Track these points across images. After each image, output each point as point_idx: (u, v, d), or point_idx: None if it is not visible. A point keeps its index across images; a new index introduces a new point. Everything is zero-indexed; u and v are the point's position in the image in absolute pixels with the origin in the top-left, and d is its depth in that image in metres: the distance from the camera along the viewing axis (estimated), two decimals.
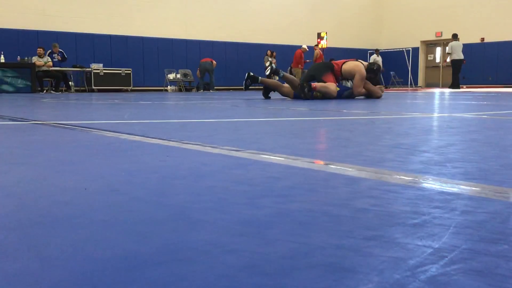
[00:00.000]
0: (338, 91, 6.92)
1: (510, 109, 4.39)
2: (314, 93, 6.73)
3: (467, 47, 19.60)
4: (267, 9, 19.85)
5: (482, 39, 20.35)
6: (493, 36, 20.05)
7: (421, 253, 0.64)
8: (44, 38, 15.31)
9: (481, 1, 20.09)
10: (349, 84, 7.09)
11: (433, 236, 0.72)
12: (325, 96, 6.76)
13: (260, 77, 7.34)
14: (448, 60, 15.98)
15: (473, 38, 20.21)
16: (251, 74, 7.38)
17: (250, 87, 7.54)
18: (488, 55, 20.26)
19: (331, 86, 6.76)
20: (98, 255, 0.65)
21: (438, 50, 22.13)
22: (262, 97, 7.49)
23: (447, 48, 16.18)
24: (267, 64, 7.07)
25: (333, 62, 7.16)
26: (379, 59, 18.64)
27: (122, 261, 0.63)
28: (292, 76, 7.34)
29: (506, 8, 19.48)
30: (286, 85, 7.18)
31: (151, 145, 1.87)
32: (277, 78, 7.28)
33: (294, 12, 20.56)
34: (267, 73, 7.03)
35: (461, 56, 15.63)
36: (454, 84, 15.66)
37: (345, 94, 7.00)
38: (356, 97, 7.15)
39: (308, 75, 7.17)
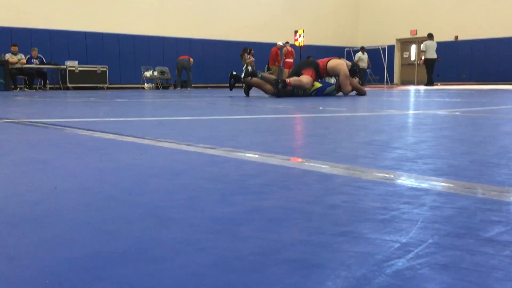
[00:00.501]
0: (320, 87, 6.99)
1: (482, 106, 4.48)
2: (296, 90, 6.78)
3: (441, 45, 19.90)
4: (244, 7, 19.83)
5: (456, 37, 20.69)
6: (467, 34, 20.41)
7: (388, 248, 0.66)
8: (18, 35, 15.02)
9: (455, 0, 20.41)
10: (332, 80, 7.15)
11: (401, 231, 0.73)
12: (304, 91, 6.81)
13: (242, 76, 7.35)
14: (422, 58, 16.28)
15: (447, 36, 20.55)
16: (234, 73, 7.38)
17: (235, 86, 7.52)
18: (462, 53, 20.62)
19: (304, 78, 6.77)
20: (66, 255, 0.64)
21: (413, 48, 22.43)
22: (243, 94, 7.50)
23: (421, 46, 16.45)
24: (244, 67, 7.00)
25: (318, 60, 7.22)
26: (364, 57, 18.62)
27: (90, 260, 0.62)
28: (271, 76, 7.34)
29: (479, 7, 19.84)
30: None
31: (125, 143, 1.85)
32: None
33: (271, 10, 20.59)
34: (242, 76, 6.98)
35: (434, 56, 15.93)
36: (429, 82, 16.01)
37: (328, 91, 7.09)
38: (337, 95, 7.25)
39: (293, 72, 7.19)
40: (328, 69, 7.02)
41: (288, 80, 6.68)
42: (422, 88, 13.87)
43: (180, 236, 0.72)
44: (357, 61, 18.08)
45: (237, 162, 1.39)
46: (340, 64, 7.07)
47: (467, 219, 0.79)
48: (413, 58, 22.51)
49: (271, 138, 1.99)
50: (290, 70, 16.64)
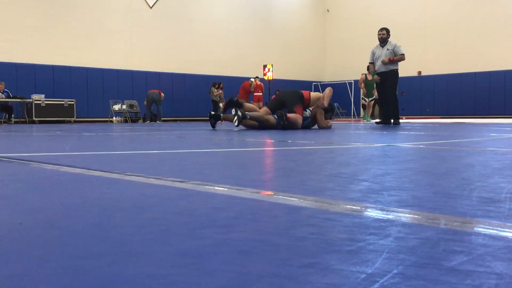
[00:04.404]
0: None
1: (445, 139, 4.61)
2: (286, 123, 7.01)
3: (405, 80, 20.52)
4: (213, 41, 20.08)
5: (419, 72, 21.40)
6: (429, 69, 21.12)
7: (354, 278, 0.67)
8: None
9: (418, 36, 21.17)
10: (307, 113, 7.40)
11: (367, 262, 0.74)
12: (290, 126, 6.97)
13: (222, 115, 7.60)
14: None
15: (411, 71, 21.22)
16: (213, 113, 7.54)
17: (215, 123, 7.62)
18: (425, 87, 21.28)
19: (299, 119, 7.16)
20: None
21: None
22: (211, 128, 7.57)
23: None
24: (234, 119, 7.01)
25: (302, 92, 7.57)
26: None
27: None
28: (257, 113, 7.41)
29: (441, 44, 20.63)
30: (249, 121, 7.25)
31: (92, 178, 1.83)
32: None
33: (240, 44, 20.91)
34: (236, 124, 7.06)
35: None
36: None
37: (305, 124, 7.42)
38: (312, 128, 7.49)
39: (280, 100, 7.44)
40: (311, 99, 7.46)
41: (288, 115, 6.93)
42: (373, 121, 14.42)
43: (148, 270, 0.71)
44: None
45: (206, 196, 1.39)
46: (320, 97, 7.49)
47: (430, 249, 0.81)
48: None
49: (240, 171, 2.00)
50: (259, 103, 16.82)
